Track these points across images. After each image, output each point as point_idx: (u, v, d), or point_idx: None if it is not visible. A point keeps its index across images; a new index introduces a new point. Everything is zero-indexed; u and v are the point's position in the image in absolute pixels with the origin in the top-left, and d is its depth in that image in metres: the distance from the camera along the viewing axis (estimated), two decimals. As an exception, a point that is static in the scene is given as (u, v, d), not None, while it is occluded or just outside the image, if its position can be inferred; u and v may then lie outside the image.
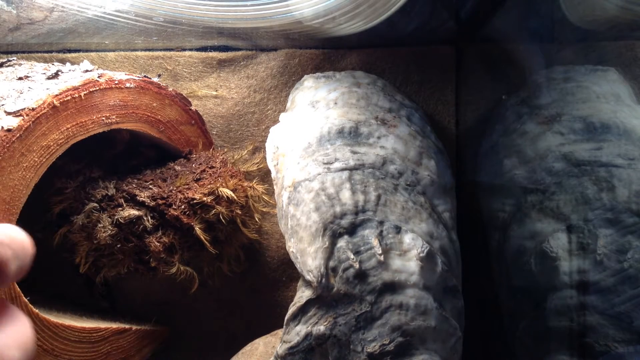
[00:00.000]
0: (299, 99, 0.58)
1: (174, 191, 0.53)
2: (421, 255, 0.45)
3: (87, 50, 0.65)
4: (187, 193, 0.52)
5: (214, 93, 0.64)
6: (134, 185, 0.53)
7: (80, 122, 0.48)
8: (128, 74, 0.52)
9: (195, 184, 0.53)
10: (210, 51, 0.65)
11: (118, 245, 0.52)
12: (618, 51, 0.58)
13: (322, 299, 0.45)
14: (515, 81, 0.60)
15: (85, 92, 0.47)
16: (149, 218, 0.52)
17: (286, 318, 0.47)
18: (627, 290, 0.44)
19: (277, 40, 0.63)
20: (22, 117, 0.43)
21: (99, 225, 0.51)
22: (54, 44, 0.64)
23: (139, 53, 0.65)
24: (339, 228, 0.46)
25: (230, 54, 0.65)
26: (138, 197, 0.52)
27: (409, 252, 0.45)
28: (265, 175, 0.63)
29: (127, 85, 0.51)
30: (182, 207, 0.52)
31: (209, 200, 0.52)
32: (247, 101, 0.64)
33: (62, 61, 0.59)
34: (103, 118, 0.49)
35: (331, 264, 0.45)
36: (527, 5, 0.56)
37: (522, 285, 0.51)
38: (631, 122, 0.50)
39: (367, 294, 0.44)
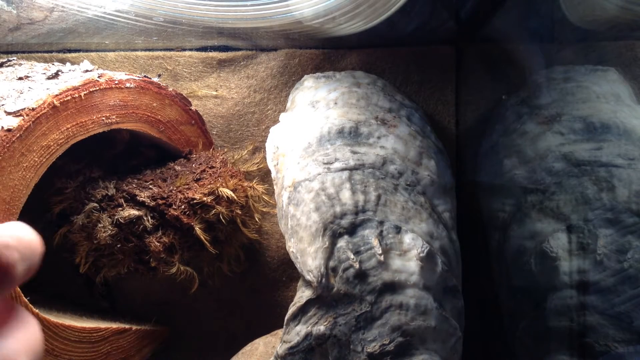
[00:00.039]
0: (299, 99, 0.58)
1: (174, 191, 0.53)
2: (421, 255, 0.45)
3: (87, 50, 0.65)
4: (187, 193, 0.52)
5: (214, 93, 0.64)
6: (134, 185, 0.53)
7: (80, 122, 0.48)
8: (128, 74, 0.52)
9: (195, 184, 0.53)
10: (210, 51, 0.65)
11: (118, 245, 0.52)
12: (618, 51, 0.58)
13: (322, 299, 0.45)
14: (515, 81, 0.60)
15: (85, 92, 0.47)
16: (149, 218, 0.52)
17: (286, 318, 0.47)
18: (627, 290, 0.44)
19: (277, 40, 0.63)
20: (22, 117, 0.43)
21: (99, 225, 0.51)
22: (54, 44, 0.64)
23: (139, 53, 0.65)
24: (339, 228, 0.46)
25: (230, 54, 0.65)
26: (138, 197, 0.52)
27: (409, 252, 0.45)
28: (265, 175, 0.63)
29: (127, 85, 0.51)
30: (182, 207, 0.52)
31: (209, 200, 0.52)
32: (247, 101, 0.64)
33: (62, 61, 0.59)
34: (103, 118, 0.49)
35: (331, 264, 0.45)
36: (527, 5, 0.56)
37: (522, 285, 0.51)
38: (631, 122, 0.50)
39: (367, 294, 0.44)
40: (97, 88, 0.48)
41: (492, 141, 0.59)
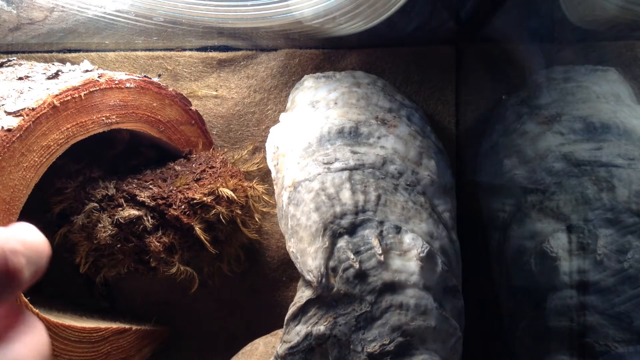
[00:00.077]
0: (299, 99, 0.58)
1: (174, 191, 0.53)
2: (421, 255, 0.45)
3: (87, 50, 0.65)
4: (187, 193, 0.52)
5: (214, 93, 0.64)
6: (134, 185, 0.53)
7: (80, 122, 0.48)
8: (128, 74, 0.52)
9: (195, 184, 0.53)
10: (210, 51, 0.65)
11: (118, 245, 0.52)
12: (618, 51, 0.58)
13: (322, 299, 0.45)
14: (515, 81, 0.60)
15: (85, 92, 0.47)
16: (149, 218, 0.52)
17: (286, 318, 0.47)
18: (627, 290, 0.44)
19: (277, 40, 0.63)
20: (22, 117, 0.43)
21: (99, 225, 0.51)
22: (54, 44, 0.64)
23: (139, 53, 0.65)
24: (339, 228, 0.46)
25: (230, 54, 0.65)
26: (138, 197, 0.52)
27: (409, 252, 0.45)
28: (265, 175, 0.63)
29: (127, 85, 0.51)
30: (182, 207, 0.52)
31: (209, 200, 0.52)
32: (247, 101, 0.64)
33: (62, 61, 0.59)
34: (103, 118, 0.49)
35: (331, 264, 0.45)
36: (527, 5, 0.56)
37: (522, 285, 0.51)
38: (631, 122, 0.50)
39: (367, 294, 0.44)
40: (97, 88, 0.48)
41: (492, 141, 0.59)
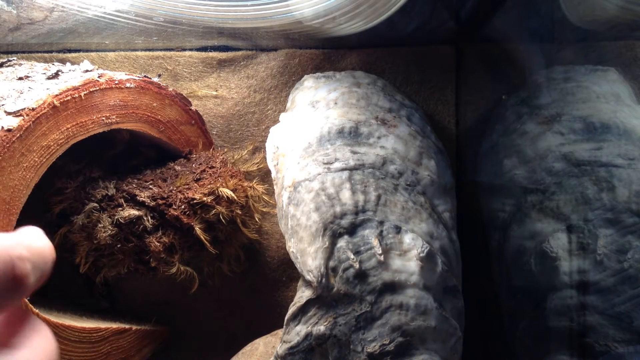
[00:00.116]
0: (299, 99, 0.58)
1: (174, 191, 0.53)
2: (421, 255, 0.45)
3: (87, 50, 0.65)
4: (187, 193, 0.52)
5: (214, 93, 0.64)
6: (134, 185, 0.53)
7: (80, 122, 0.48)
8: (128, 74, 0.52)
9: (195, 184, 0.53)
10: (210, 51, 0.65)
11: (118, 245, 0.52)
12: (618, 51, 0.58)
13: (322, 299, 0.45)
14: (515, 81, 0.60)
15: (85, 92, 0.47)
16: (149, 218, 0.52)
17: (286, 318, 0.47)
18: (627, 290, 0.44)
19: (277, 40, 0.63)
20: (22, 117, 0.43)
21: (99, 225, 0.51)
22: (54, 44, 0.64)
23: (139, 53, 0.65)
24: (339, 228, 0.46)
25: (230, 54, 0.65)
26: (138, 197, 0.52)
27: (409, 252, 0.45)
28: (265, 175, 0.63)
29: (127, 85, 0.51)
30: (182, 207, 0.52)
31: (209, 200, 0.52)
32: (247, 101, 0.64)
33: (62, 61, 0.59)
34: (103, 118, 0.49)
35: (331, 264, 0.45)
36: (527, 5, 0.56)
37: (522, 285, 0.51)
38: (631, 122, 0.50)
39: (367, 294, 0.44)
40: (97, 88, 0.48)
41: (492, 141, 0.59)
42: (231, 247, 0.58)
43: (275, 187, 0.54)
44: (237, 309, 0.63)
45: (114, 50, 0.64)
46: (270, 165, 0.55)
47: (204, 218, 0.53)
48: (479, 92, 0.63)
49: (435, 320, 0.44)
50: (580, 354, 0.45)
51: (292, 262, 0.49)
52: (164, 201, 0.52)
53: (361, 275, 0.44)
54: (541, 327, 0.48)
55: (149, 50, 0.65)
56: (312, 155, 0.51)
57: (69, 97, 0.46)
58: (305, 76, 0.61)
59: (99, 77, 0.49)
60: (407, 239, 0.46)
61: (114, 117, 0.50)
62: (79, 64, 0.54)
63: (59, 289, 0.60)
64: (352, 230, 0.46)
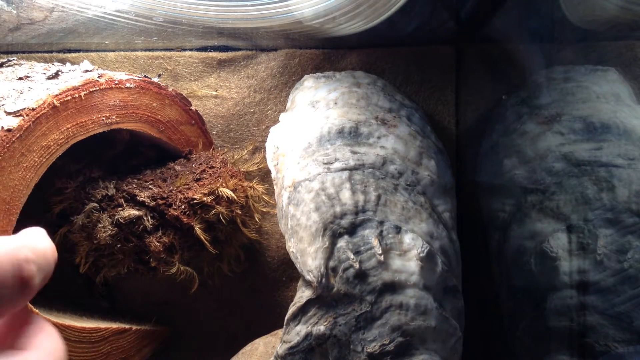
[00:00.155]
0: (299, 99, 0.58)
1: (174, 191, 0.53)
2: (421, 255, 0.45)
3: (87, 50, 0.65)
4: (187, 193, 0.52)
5: (214, 93, 0.64)
6: (134, 185, 0.53)
7: (80, 122, 0.48)
8: (128, 74, 0.52)
9: (195, 184, 0.53)
10: (210, 51, 0.65)
11: (118, 245, 0.52)
12: (618, 51, 0.58)
13: (322, 299, 0.45)
14: (515, 81, 0.60)
15: (85, 92, 0.47)
16: (149, 218, 0.52)
17: (286, 318, 0.47)
18: (627, 290, 0.44)
19: (277, 40, 0.63)
20: (22, 117, 0.43)
21: (99, 225, 0.51)
22: (54, 44, 0.64)
23: (139, 53, 0.65)
24: (339, 228, 0.46)
25: (230, 54, 0.65)
26: (138, 197, 0.52)
27: (409, 252, 0.45)
28: (265, 175, 0.63)
29: (127, 85, 0.51)
30: (182, 207, 0.52)
31: (209, 200, 0.52)
32: (247, 101, 0.64)
33: (62, 61, 0.59)
34: (103, 118, 0.49)
35: (331, 264, 0.45)
36: (527, 5, 0.56)
37: (522, 285, 0.51)
38: (631, 122, 0.50)
39: (367, 294, 0.44)
40: (97, 88, 0.48)
41: (492, 141, 0.59)
42: (231, 247, 0.58)
43: (275, 187, 0.54)
44: (237, 309, 0.63)
45: (114, 50, 0.64)
46: (270, 165, 0.55)
47: (204, 218, 0.53)
48: (479, 92, 0.63)
49: (435, 320, 0.44)
50: (580, 354, 0.45)
51: (292, 262, 0.49)
52: (164, 201, 0.52)
53: (361, 275, 0.44)
54: (541, 327, 0.48)
55: (149, 50, 0.65)
56: (312, 155, 0.51)
57: (69, 97, 0.46)
58: (305, 76, 0.61)
59: (99, 77, 0.49)
60: (407, 239, 0.46)
61: (114, 117, 0.50)
62: (79, 64, 0.54)
63: (59, 289, 0.60)
64: (352, 230, 0.46)
